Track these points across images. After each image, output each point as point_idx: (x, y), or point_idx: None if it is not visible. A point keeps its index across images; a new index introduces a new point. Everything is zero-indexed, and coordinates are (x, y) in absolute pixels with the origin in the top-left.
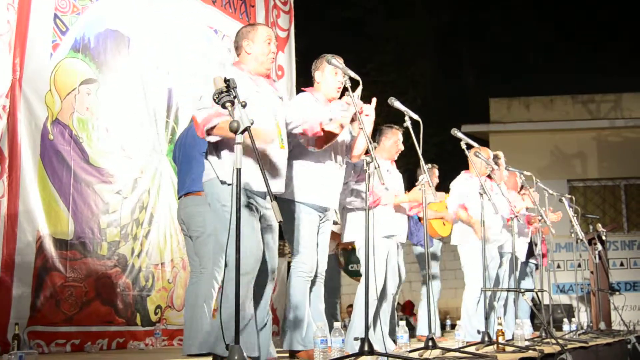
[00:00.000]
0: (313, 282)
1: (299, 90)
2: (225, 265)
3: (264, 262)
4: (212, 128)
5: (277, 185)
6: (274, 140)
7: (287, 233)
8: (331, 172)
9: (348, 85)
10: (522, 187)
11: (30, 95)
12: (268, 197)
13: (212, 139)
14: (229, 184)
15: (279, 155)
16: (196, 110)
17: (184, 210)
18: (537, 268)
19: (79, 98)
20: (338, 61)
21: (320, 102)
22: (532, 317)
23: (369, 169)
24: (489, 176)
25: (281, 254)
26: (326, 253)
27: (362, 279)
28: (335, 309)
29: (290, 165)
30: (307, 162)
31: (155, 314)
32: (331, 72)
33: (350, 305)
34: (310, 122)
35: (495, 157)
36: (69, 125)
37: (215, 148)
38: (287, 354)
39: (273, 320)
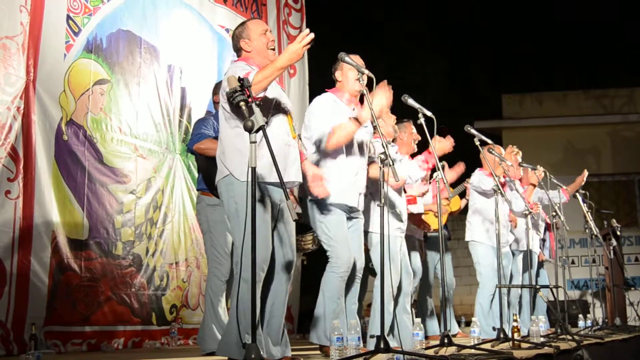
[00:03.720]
0: (350, 281)
1: (312, 89)
2: (236, 264)
3: (282, 257)
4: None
5: (294, 174)
6: (288, 131)
7: (318, 232)
8: (355, 172)
9: (363, 82)
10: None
11: (44, 96)
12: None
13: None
14: (242, 181)
15: (291, 145)
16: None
17: (196, 207)
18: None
19: (92, 98)
20: (352, 59)
21: (344, 102)
22: (547, 312)
23: (383, 166)
24: (507, 175)
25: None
26: (361, 252)
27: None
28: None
29: (316, 166)
30: (332, 162)
31: (171, 313)
32: (351, 69)
33: (370, 305)
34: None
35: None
36: (83, 125)
37: (228, 146)
38: (317, 348)
39: (287, 318)
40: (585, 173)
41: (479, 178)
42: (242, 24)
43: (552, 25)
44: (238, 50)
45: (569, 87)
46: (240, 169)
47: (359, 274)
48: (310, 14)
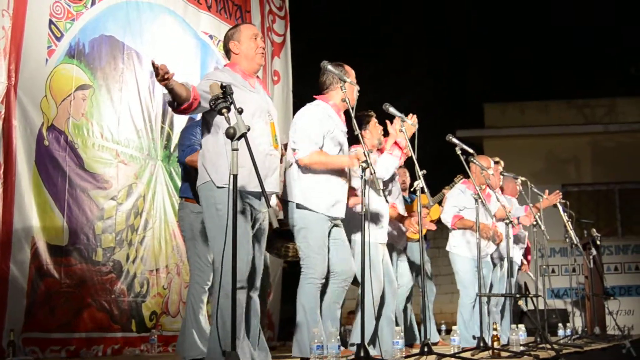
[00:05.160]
0: (342, 288)
1: (296, 96)
2: (216, 271)
3: (258, 264)
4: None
5: (272, 185)
6: (269, 140)
7: (298, 239)
8: (339, 182)
9: (345, 90)
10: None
11: (25, 101)
12: (262, 200)
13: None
14: (221, 187)
15: (273, 154)
16: None
17: (178, 214)
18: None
19: (74, 104)
20: (334, 68)
21: (333, 110)
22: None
23: (364, 175)
24: (488, 185)
25: (279, 255)
26: (348, 258)
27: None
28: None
29: (300, 174)
30: (322, 172)
31: (151, 320)
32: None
33: (352, 312)
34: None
35: (494, 162)
36: (64, 131)
37: (209, 152)
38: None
39: (268, 326)
40: (559, 196)
41: (457, 193)
42: (236, 26)
43: (550, 29)
44: (227, 51)
45: (550, 97)
46: (221, 176)
47: (349, 281)
48: (296, 21)
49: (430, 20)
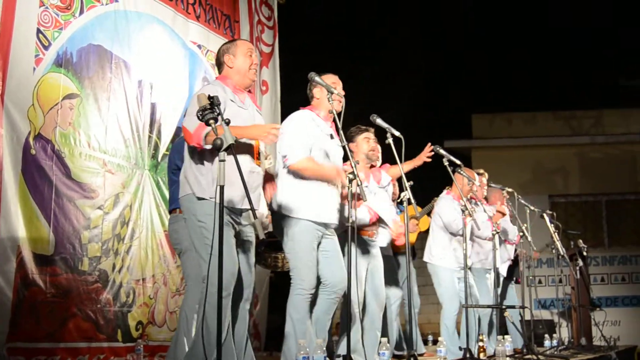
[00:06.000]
0: (332, 300)
1: (283, 106)
2: (204, 281)
3: (239, 279)
4: (207, 135)
5: (254, 202)
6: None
7: (286, 249)
8: (328, 189)
9: (333, 102)
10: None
11: (12, 109)
12: (244, 213)
13: (209, 146)
14: (202, 199)
15: (255, 172)
16: (185, 120)
17: (169, 227)
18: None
19: (61, 113)
20: (322, 79)
21: (321, 118)
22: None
23: (351, 186)
24: (474, 196)
25: (268, 266)
26: (342, 270)
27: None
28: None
29: (288, 182)
30: (305, 179)
31: (137, 329)
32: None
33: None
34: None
35: (478, 174)
36: (51, 140)
37: (191, 164)
38: None
39: (255, 335)
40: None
41: (448, 200)
42: (232, 40)
43: (547, 31)
44: (220, 64)
45: (537, 108)
46: (202, 188)
47: (341, 292)
48: (282, 31)
49: (426, 24)
